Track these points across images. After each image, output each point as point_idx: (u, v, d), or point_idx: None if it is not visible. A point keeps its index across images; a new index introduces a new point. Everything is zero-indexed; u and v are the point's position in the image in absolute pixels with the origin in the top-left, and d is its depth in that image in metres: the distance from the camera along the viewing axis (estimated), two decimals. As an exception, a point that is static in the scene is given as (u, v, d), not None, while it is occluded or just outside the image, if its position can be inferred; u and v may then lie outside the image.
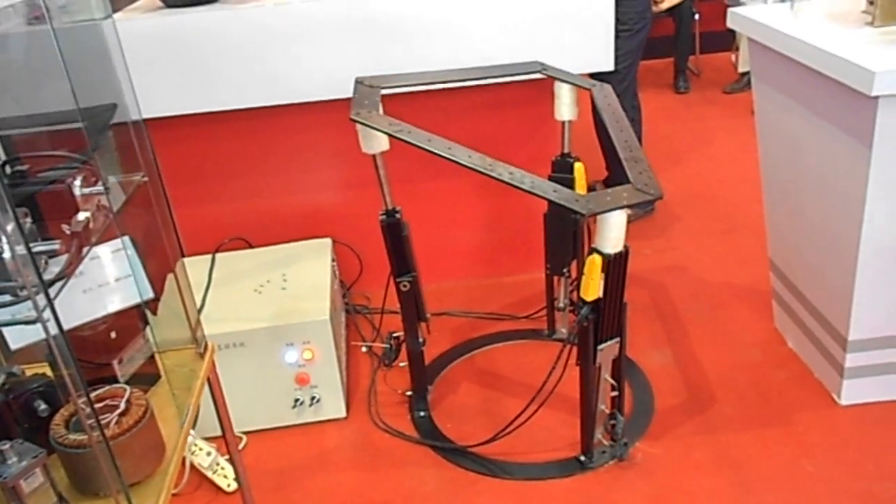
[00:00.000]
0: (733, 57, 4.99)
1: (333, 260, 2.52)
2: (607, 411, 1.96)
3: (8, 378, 1.22)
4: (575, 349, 1.85)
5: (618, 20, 2.48)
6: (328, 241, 2.56)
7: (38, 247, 0.94)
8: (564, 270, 2.36)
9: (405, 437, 2.15)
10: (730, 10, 2.23)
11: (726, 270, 2.80)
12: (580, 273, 2.16)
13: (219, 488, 2.01)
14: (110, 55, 1.31)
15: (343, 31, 2.34)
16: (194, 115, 2.44)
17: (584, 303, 1.76)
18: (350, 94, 2.42)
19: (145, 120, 2.32)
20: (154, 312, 1.41)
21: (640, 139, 3.20)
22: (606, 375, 1.89)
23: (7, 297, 0.90)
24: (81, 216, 1.08)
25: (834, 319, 2.06)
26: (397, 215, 2.03)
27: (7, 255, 0.88)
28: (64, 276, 1.00)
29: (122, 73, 1.29)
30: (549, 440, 2.06)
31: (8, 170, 1.13)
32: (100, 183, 1.12)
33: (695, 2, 4.82)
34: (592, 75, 3.01)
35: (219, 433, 1.61)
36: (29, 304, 0.90)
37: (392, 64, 2.39)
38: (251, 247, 2.63)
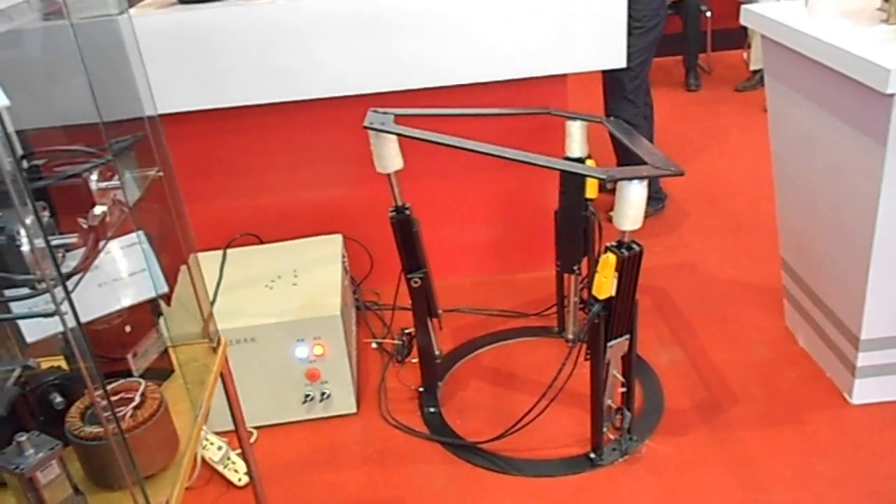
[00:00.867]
0: (745, 54, 4.96)
1: (344, 256, 2.53)
2: (615, 407, 1.96)
3: (24, 371, 1.23)
4: (585, 346, 1.85)
5: (631, 17, 2.47)
6: (339, 237, 2.57)
7: (56, 240, 0.95)
8: (575, 268, 2.36)
9: (415, 433, 2.16)
10: (743, 7, 2.22)
11: (737, 268, 2.79)
12: (591, 270, 2.16)
13: (230, 482, 2.02)
14: (126, 51, 1.31)
15: (354, 27, 2.35)
16: (206, 110, 2.45)
17: (596, 300, 1.76)
18: (360, 91, 2.44)
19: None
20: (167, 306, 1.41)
21: (651, 138, 3.20)
22: (616, 372, 1.89)
23: (25, 290, 0.91)
24: (98, 210, 1.09)
25: (846, 318, 2.05)
26: (407, 212, 2.03)
27: (26, 248, 0.88)
28: (81, 269, 1.00)
29: (139, 69, 1.29)
30: (558, 437, 2.07)
31: (25, 164, 1.14)
32: (116, 177, 1.12)
33: (704, -1, 4.80)
34: (605, 72, 3.02)
35: (229, 427, 1.62)
36: (46, 297, 0.90)
37: (402, 61, 2.39)
38: (262, 242, 2.64)
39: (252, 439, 2.17)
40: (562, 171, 1.66)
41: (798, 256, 2.31)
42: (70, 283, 0.95)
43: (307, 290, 2.25)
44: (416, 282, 2.06)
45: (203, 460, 2.05)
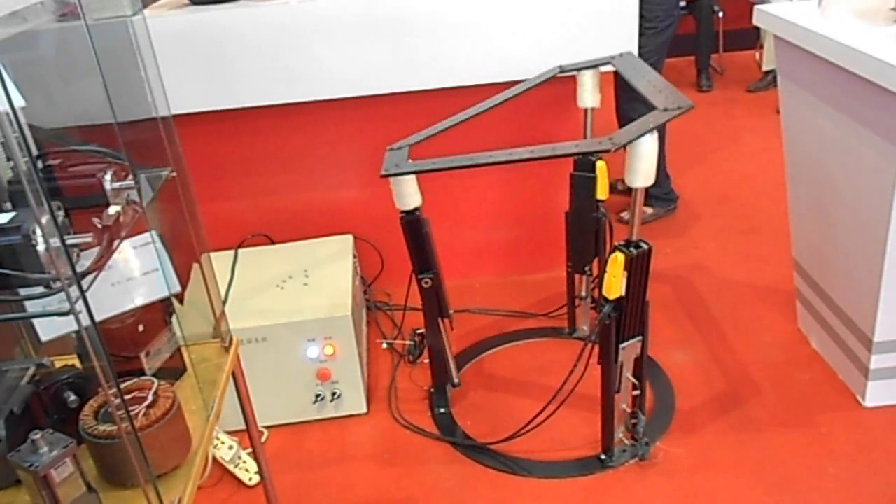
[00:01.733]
0: (757, 55, 4.94)
1: (355, 256, 2.53)
2: (628, 410, 1.95)
3: (38, 369, 1.24)
4: (596, 348, 1.85)
5: (643, 17, 2.46)
6: (349, 237, 2.57)
7: (71, 240, 0.96)
8: (586, 268, 2.35)
9: (425, 433, 2.16)
10: (756, 7, 2.21)
11: (749, 270, 2.78)
12: (602, 271, 2.16)
13: (240, 482, 2.03)
14: (140, 51, 1.32)
15: (366, 29, 2.35)
16: (218, 111, 2.46)
17: (606, 301, 1.76)
18: (371, 92, 2.44)
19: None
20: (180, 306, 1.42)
21: (663, 137, 3.18)
22: (628, 374, 1.88)
23: (40, 289, 0.92)
24: (112, 210, 1.10)
25: (859, 320, 2.03)
26: (417, 212, 2.03)
27: (42, 247, 0.89)
28: (95, 269, 1.01)
29: (153, 70, 1.30)
30: (569, 438, 2.06)
31: (40, 164, 1.15)
32: (130, 177, 1.13)
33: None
34: (616, 73, 3.01)
35: (241, 427, 1.62)
36: (60, 296, 0.91)
37: (413, 62, 2.39)
38: (273, 243, 2.65)
39: (263, 439, 2.18)
40: (566, 155, 1.63)
41: (811, 258, 2.30)
42: (84, 283, 0.96)
43: (318, 290, 2.26)
44: (426, 282, 2.06)
45: (214, 459, 2.05)
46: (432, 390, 2.28)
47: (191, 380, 1.40)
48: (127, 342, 1.30)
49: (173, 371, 1.40)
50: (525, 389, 2.29)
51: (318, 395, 2.20)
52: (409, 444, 2.13)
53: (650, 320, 1.85)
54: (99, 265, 1.02)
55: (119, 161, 1.13)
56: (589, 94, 2.22)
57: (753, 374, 2.25)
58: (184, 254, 1.45)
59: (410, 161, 1.88)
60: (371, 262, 2.76)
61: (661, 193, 3.18)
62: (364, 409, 2.25)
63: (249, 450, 2.05)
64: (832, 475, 1.88)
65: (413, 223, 2.02)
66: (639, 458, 1.97)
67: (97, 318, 0.95)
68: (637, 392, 1.92)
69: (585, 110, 2.28)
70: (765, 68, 4.66)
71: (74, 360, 1.31)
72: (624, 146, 1.63)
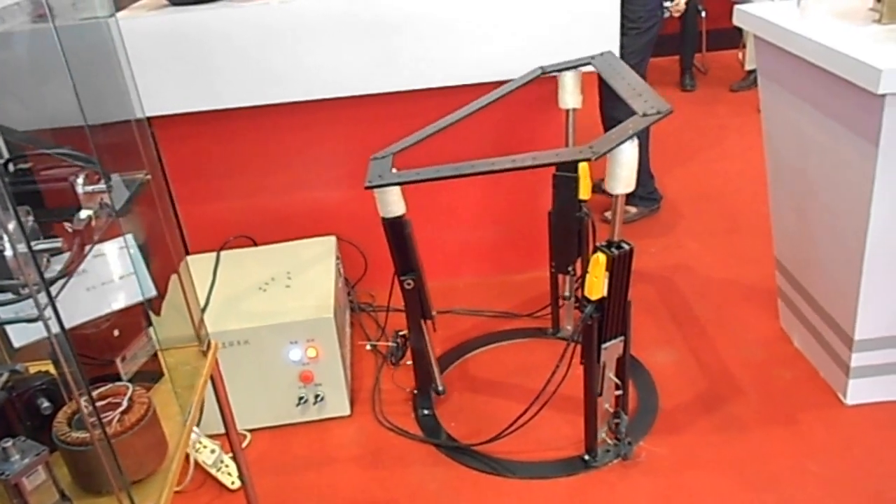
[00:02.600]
0: (740, 55, 4.97)
1: (338, 258, 2.52)
2: (611, 410, 1.95)
3: (11, 375, 1.22)
4: (579, 347, 1.85)
5: (627, 18, 2.47)
6: (333, 238, 2.56)
7: (40, 245, 0.94)
8: (569, 268, 2.35)
9: (409, 435, 2.15)
10: (736, 7, 2.22)
11: (731, 269, 2.79)
12: (585, 271, 2.16)
13: (223, 486, 2.02)
14: (115, 53, 1.31)
15: (347, 29, 2.34)
16: (199, 112, 2.44)
17: (589, 301, 1.76)
18: (353, 93, 2.43)
19: (151, 118, 2.32)
20: (158, 310, 1.41)
21: (646, 137, 3.19)
22: (610, 374, 1.88)
23: (9, 296, 0.91)
24: (83, 214, 1.08)
25: (840, 319, 2.05)
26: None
27: (9, 253, 0.88)
28: (66, 274, 1.00)
29: (126, 71, 1.29)
30: (552, 439, 2.06)
31: (11, 168, 1.13)
32: (102, 181, 1.12)
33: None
34: (599, 75, 3.01)
35: (223, 431, 1.61)
36: (31, 301, 0.90)
37: (396, 62, 2.39)
38: (256, 244, 2.64)
39: (245, 442, 2.17)
40: (547, 164, 1.64)
41: (792, 257, 2.31)
42: (55, 288, 0.95)
43: (301, 292, 2.25)
44: (408, 284, 2.05)
45: (196, 463, 2.04)
46: (416, 392, 2.27)
47: (168, 384, 1.39)
48: (102, 347, 1.28)
49: (150, 375, 1.38)
50: (509, 390, 2.29)
51: (300, 398, 2.19)
52: (392, 447, 2.12)
53: (633, 320, 1.85)
54: (70, 270, 1.00)
55: (90, 164, 1.11)
56: (570, 95, 2.23)
57: (736, 372, 2.25)
58: (162, 257, 1.43)
59: (394, 171, 1.88)
60: (355, 264, 2.75)
61: (644, 193, 3.19)
62: (347, 412, 2.24)
63: (232, 453, 2.03)
64: (814, 473, 1.88)
65: (395, 225, 2.01)
66: (622, 457, 1.97)
67: (71, 323, 0.94)
68: (620, 392, 1.92)
69: (567, 111, 2.28)
70: (748, 68, 4.68)
71: (49, 366, 1.29)
72: (604, 154, 1.64)
